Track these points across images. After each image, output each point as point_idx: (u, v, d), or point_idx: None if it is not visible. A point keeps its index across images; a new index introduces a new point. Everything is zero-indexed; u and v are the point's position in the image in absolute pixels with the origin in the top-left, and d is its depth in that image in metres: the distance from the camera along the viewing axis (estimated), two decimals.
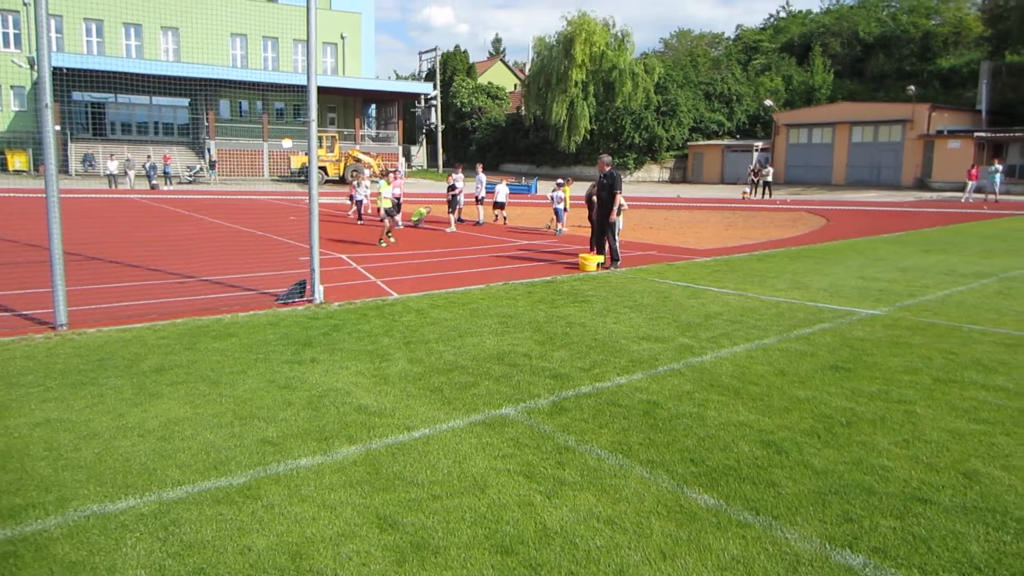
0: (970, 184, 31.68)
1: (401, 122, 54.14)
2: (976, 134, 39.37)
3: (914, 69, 54.08)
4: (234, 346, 6.56)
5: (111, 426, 4.62)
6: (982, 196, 31.04)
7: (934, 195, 36.07)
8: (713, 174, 51.51)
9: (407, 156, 55.57)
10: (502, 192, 20.05)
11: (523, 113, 59.25)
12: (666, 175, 53.84)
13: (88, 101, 44.54)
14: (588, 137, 51.93)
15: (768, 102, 50.77)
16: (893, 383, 5.67)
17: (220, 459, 4.13)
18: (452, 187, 18.75)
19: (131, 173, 35.98)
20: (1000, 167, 32.28)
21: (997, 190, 30.96)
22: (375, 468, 4.04)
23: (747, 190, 35.76)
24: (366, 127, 54.42)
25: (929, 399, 5.30)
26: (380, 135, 53.89)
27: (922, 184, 40.55)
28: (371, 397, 5.24)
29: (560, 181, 18.40)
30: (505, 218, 19.87)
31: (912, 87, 44.95)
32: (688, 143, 53.22)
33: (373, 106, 56.71)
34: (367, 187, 20.94)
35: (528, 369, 5.96)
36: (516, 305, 8.55)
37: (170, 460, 4.12)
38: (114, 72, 35.97)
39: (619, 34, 52.85)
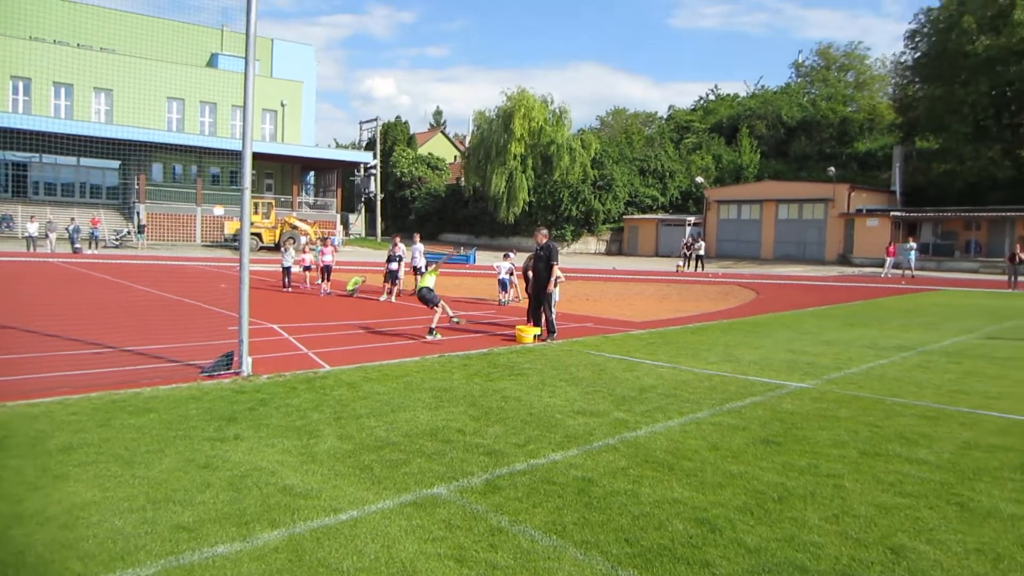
0: (888, 260, 33.43)
1: (340, 190, 54.21)
2: (892, 213, 41.85)
3: (834, 151, 57.60)
4: (152, 422, 6.22)
5: (6, 514, 4.25)
6: (899, 272, 32.74)
7: (855, 270, 37.86)
8: (648, 247, 52.97)
9: (345, 224, 55.40)
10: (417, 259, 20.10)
11: (463, 184, 60.16)
12: (603, 247, 55.09)
13: (10, 161, 43.18)
14: (527, 209, 52.97)
15: (699, 179, 52.99)
16: (822, 457, 5.75)
17: (128, 548, 3.84)
18: (394, 258, 18.58)
19: (52, 236, 34.63)
20: (914, 245, 34.30)
21: (912, 266, 32.77)
22: (298, 555, 3.82)
23: (681, 263, 36.82)
24: (304, 194, 54.22)
25: (856, 473, 5.39)
26: (318, 202, 53.71)
27: (844, 260, 42.57)
28: (297, 477, 5.00)
29: (510, 255, 18.65)
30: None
31: (832, 168, 47.72)
32: (624, 216, 54.80)
33: (312, 173, 56.70)
34: (293, 255, 20.71)
35: (462, 445, 5.82)
36: (451, 378, 8.43)
37: (71, 551, 3.80)
38: (39, 132, 35.04)
39: (557, 110, 54.81)
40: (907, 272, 32.35)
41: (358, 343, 11.11)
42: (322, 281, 19.46)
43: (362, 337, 11.77)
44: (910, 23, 57.01)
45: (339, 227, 50.53)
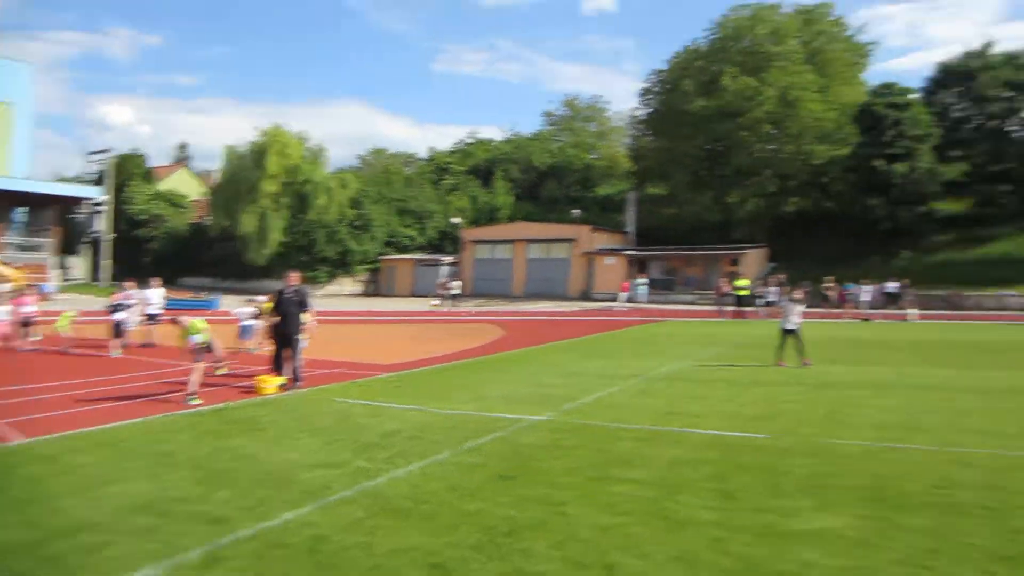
0: (622, 295, 36.95)
1: (62, 229, 47.90)
2: (626, 252, 46.40)
3: (578, 195, 62.78)
4: None
5: None
6: (632, 305, 36.33)
7: (596, 304, 41.28)
8: (404, 287, 53.30)
9: (64, 268, 48.93)
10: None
11: (209, 223, 56.17)
12: (359, 288, 54.40)
13: None
14: (280, 249, 50.76)
15: (456, 219, 54.63)
16: (555, 486, 6.05)
17: None
18: (120, 306, 16.57)
19: None
20: (645, 280, 38.38)
21: (644, 299, 36.60)
22: None
23: (436, 302, 37.53)
24: (11, 234, 47.01)
25: (583, 498, 5.73)
26: (29, 243, 46.84)
27: (586, 295, 46.23)
28: None
29: (262, 298, 17.53)
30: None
31: (577, 211, 51.80)
32: (381, 256, 54.71)
33: (24, 210, 49.39)
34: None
35: (181, 516, 5.27)
36: (176, 440, 7.64)
37: None
38: None
39: (315, 148, 53.62)
40: (639, 304, 36.03)
41: (67, 407, 9.68)
42: (22, 337, 16.74)
43: (73, 400, 10.28)
44: (643, 82, 64.46)
45: (54, 272, 44.47)
